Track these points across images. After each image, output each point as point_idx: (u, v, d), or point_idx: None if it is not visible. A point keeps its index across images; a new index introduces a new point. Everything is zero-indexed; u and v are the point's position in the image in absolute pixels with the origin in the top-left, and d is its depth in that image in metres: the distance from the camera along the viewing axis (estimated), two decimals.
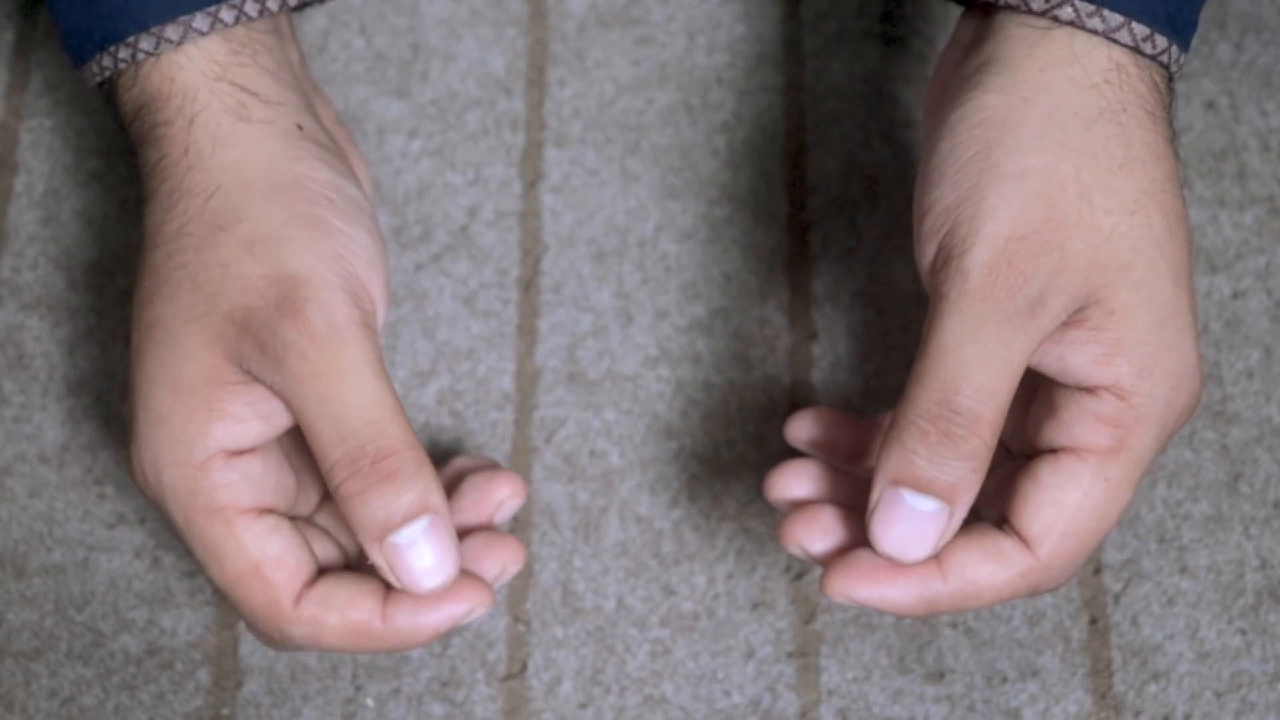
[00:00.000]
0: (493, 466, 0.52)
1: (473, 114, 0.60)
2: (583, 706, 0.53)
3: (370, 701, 0.53)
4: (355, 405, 0.45)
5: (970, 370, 0.43)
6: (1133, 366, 0.44)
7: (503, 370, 0.57)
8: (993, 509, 0.47)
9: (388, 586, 0.47)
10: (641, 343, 0.57)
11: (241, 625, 0.54)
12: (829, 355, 0.57)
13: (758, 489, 0.55)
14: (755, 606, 0.54)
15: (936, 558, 0.45)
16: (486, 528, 0.50)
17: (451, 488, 0.52)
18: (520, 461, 0.56)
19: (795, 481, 0.49)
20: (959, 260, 0.44)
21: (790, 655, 0.54)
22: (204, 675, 0.54)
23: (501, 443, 0.56)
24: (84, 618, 0.54)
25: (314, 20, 0.61)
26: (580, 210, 0.59)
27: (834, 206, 0.59)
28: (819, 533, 0.47)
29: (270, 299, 0.45)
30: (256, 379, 0.45)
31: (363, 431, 0.44)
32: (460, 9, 0.62)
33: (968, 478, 0.44)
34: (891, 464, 0.44)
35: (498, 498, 0.51)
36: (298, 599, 0.46)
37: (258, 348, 0.45)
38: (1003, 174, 0.44)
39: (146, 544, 0.55)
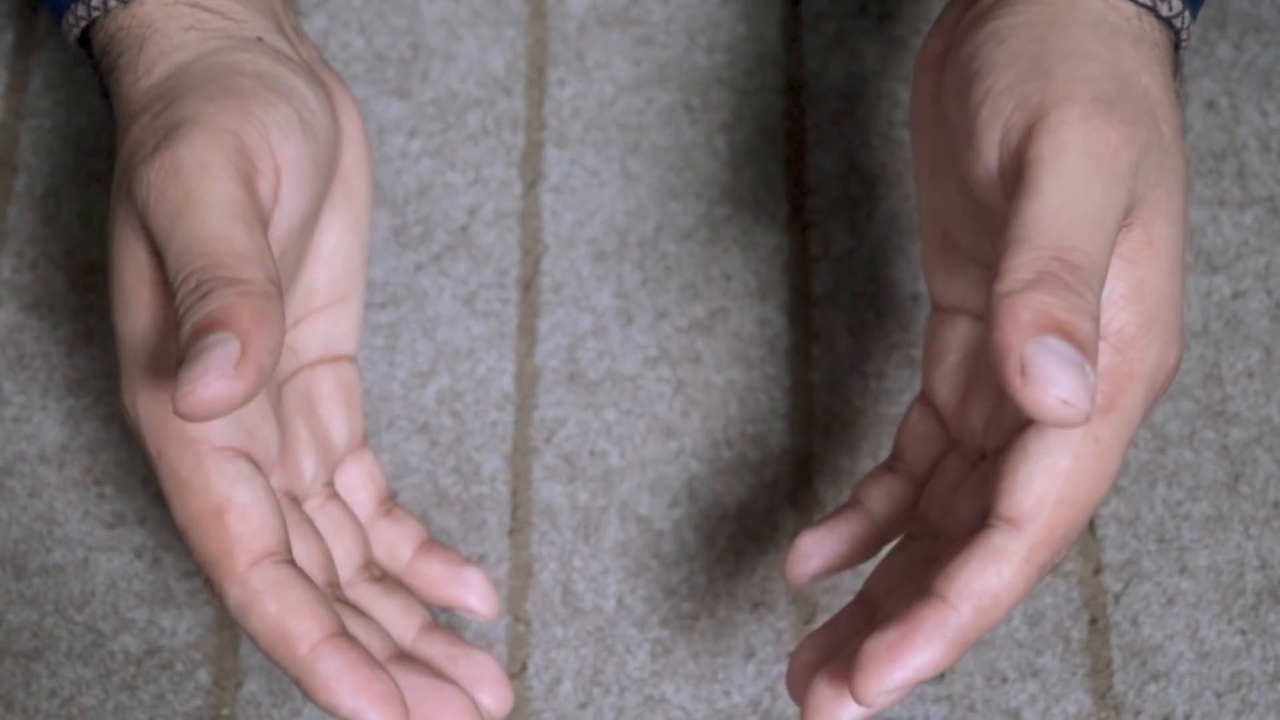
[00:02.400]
0: (490, 660, 0.50)
1: (473, 114, 0.60)
2: (583, 706, 0.53)
3: None
4: (198, 239, 0.41)
5: (1085, 227, 0.39)
6: (1139, 315, 0.41)
7: (503, 370, 0.57)
8: (960, 523, 0.45)
9: (338, 628, 0.43)
10: (641, 343, 0.57)
11: None
12: (829, 355, 0.57)
13: (758, 489, 0.55)
14: (755, 606, 0.54)
15: (939, 594, 0.41)
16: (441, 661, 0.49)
17: (445, 656, 0.50)
18: (520, 461, 0.56)
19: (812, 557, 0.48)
20: (1044, 122, 0.40)
21: (790, 655, 0.54)
22: (204, 675, 0.54)
23: (501, 443, 0.56)
24: (84, 618, 0.54)
25: (314, 20, 0.61)
26: (580, 210, 0.59)
27: (834, 206, 0.59)
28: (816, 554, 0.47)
29: (149, 146, 0.43)
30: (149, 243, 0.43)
31: (197, 260, 0.41)
32: (460, 9, 0.62)
33: (1093, 338, 0.38)
34: (1025, 319, 0.38)
35: (480, 701, 0.49)
36: (255, 562, 0.43)
37: (133, 203, 0.43)
38: (1066, 52, 0.41)
39: (146, 544, 0.55)
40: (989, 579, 0.41)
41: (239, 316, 0.40)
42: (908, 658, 0.40)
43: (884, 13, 0.61)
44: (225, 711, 0.53)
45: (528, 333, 0.58)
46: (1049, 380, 0.37)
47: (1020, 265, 0.39)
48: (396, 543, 0.53)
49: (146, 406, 0.43)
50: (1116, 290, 0.41)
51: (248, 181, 0.43)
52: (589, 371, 0.57)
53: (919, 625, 0.41)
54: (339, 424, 0.51)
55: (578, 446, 0.56)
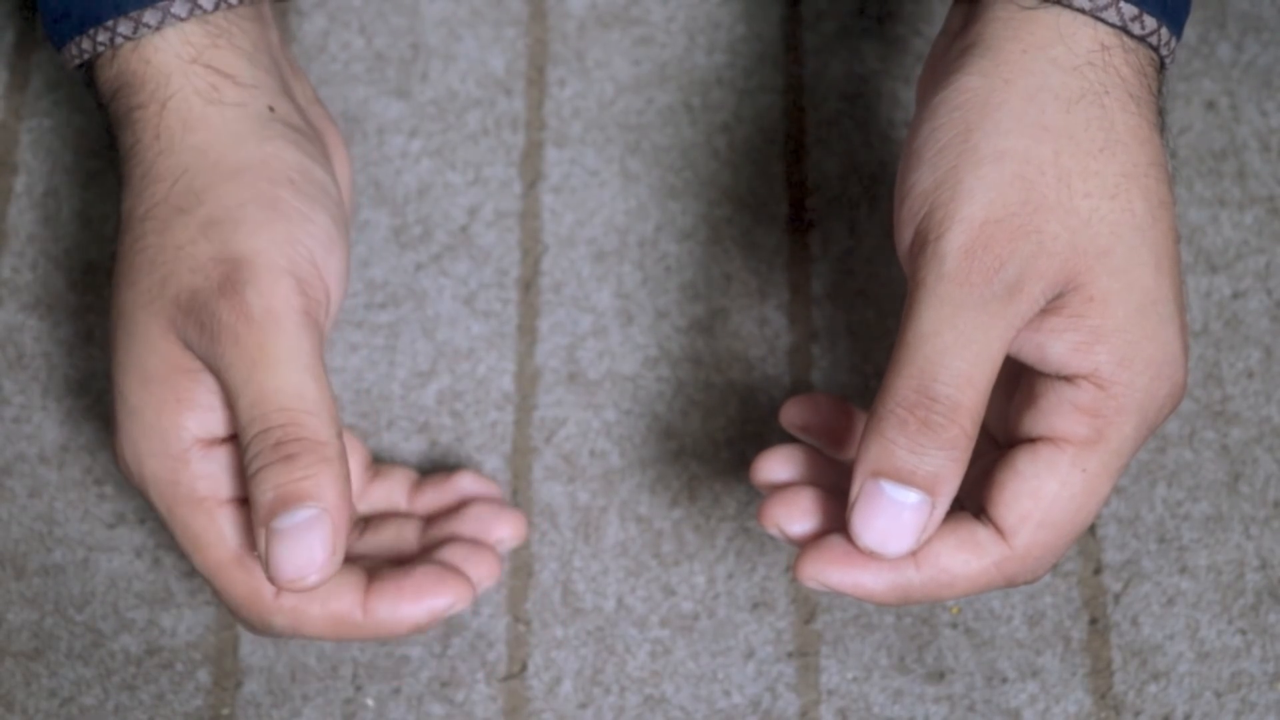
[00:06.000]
0: (498, 501, 0.53)
1: (473, 114, 0.60)
2: (583, 706, 0.53)
3: (370, 701, 0.53)
4: (274, 392, 0.44)
5: (948, 357, 0.42)
6: (1112, 355, 0.43)
7: (503, 370, 0.57)
8: (974, 499, 0.46)
9: (370, 578, 0.48)
10: (641, 343, 0.57)
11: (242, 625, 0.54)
12: (829, 355, 0.57)
13: (757, 489, 0.55)
14: (755, 606, 0.54)
15: None
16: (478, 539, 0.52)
17: (456, 507, 0.52)
18: (520, 461, 0.56)
19: (780, 465, 0.49)
20: (935, 244, 0.43)
21: (790, 655, 0.54)
22: (204, 675, 0.54)
23: (501, 443, 0.56)
24: (84, 618, 0.54)
25: (314, 20, 0.61)
26: (580, 210, 0.59)
27: (834, 206, 0.59)
28: (797, 514, 0.47)
29: (214, 280, 0.45)
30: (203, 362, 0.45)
31: (275, 417, 0.44)
32: (460, 9, 0.62)
33: (949, 468, 0.43)
34: (871, 455, 0.43)
35: (496, 536, 0.52)
36: (281, 589, 0.46)
37: (198, 328, 0.45)
38: (980, 157, 0.44)
39: (146, 544, 0.55)
40: (957, 563, 0.44)
41: (325, 489, 0.44)
42: (856, 574, 0.45)
43: (884, 13, 0.61)
44: (225, 711, 0.53)
45: (528, 333, 0.58)
46: (866, 522, 0.43)
47: (889, 390, 0.43)
48: (391, 494, 0.54)
49: (154, 469, 0.46)
50: (1072, 340, 0.43)
51: (311, 322, 0.45)
52: (589, 371, 0.57)
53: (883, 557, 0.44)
54: None
55: (578, 446, 0.56)
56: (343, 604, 0.47)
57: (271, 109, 0.48)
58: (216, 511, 0.46)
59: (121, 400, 0.46)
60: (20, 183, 0.60)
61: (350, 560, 0.49)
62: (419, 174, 0.59)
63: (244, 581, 0.46)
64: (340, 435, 0.45)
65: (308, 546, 0.44)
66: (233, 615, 0.48)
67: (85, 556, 0.55)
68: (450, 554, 0.50)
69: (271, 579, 0.44)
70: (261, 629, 0.47)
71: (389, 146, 0.60)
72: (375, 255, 0.58)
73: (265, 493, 0.44)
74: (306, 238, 0.46)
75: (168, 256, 0.46)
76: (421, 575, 0.48)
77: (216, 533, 0.46)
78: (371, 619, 0.47)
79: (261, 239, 0.45)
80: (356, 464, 0.54)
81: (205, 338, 0.45)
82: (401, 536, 0.52)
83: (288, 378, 0.44)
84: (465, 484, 0.54)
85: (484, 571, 0.50)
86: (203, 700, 0.53)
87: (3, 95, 0.61)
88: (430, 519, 0.53)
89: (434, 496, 0.54)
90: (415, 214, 0.59)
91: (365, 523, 0.53)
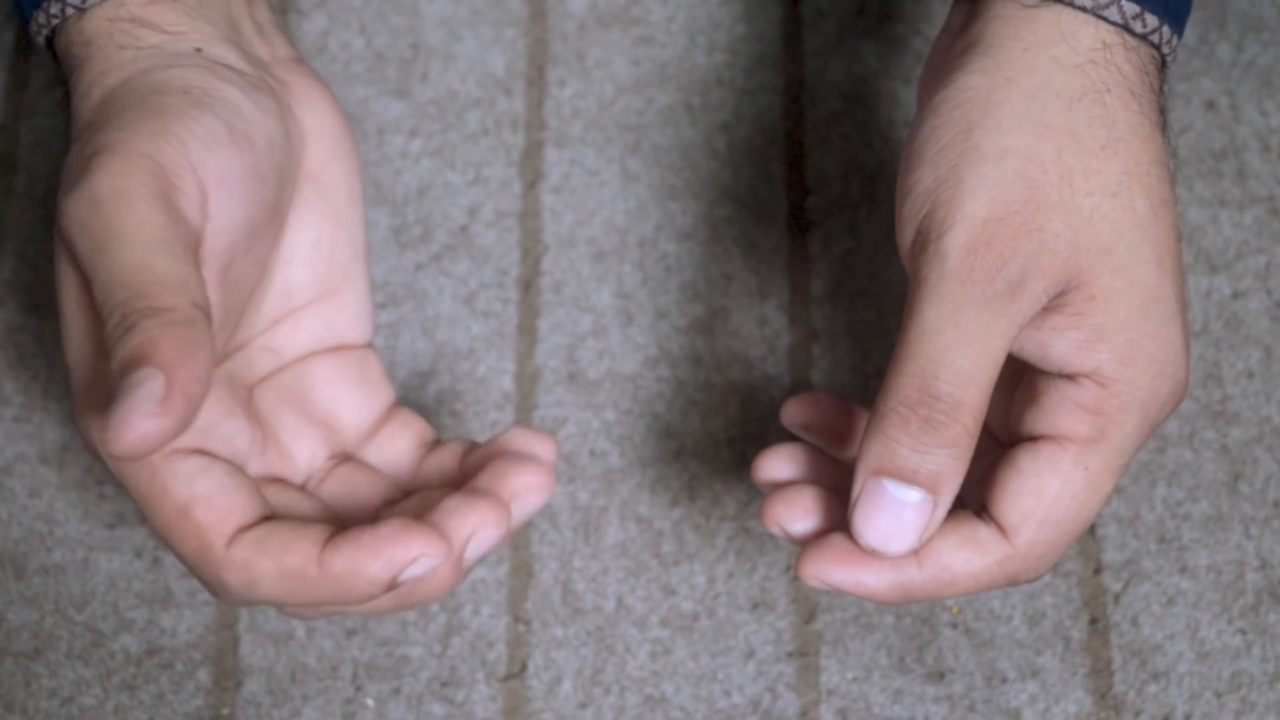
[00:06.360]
0: (534, 459, 0.48)
1: (473, 114, 0.60)
2: (583, 706, 0.53)
3: (370, 701, 0.53)
4: (120, 269, 0.42)
5: (950, 355, 0.42)
6: (1114, 353, 0.43)
7: (503, 370, 0.57)
8: (976, 497, 0.46)
9: (331, 533, 0.44)
10: (641, 343, 0.57)
11: (242, 625, 0.54)
12: (829, 355, 0.57)
13: (758, 488, 0.55)
14: (755, 606, 0.54)
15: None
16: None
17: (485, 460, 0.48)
18: None
19: (781, 464, 0.49)
20: (937, 243, 0.43)
21: (790, 655, 0.54)
22: (204, 675, 0.54)
23: None
24: (84, 618, 0.54)
25: (314, 20, 0.61)
26: (580, 210, 0.59)
27: (834, 206, 0.59)
28: (798, 513, 0.47)
29: (71, 179, 0.43)
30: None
31: (119, 292, 0.41)
32: (460, 9, 0.62)
33: (951, 466, 0.43)
34: (873, 454, 0.43)
35: (510, 488, 0.47)
36: (230, 540, 0.43)
37: (58, 231, 0.43)
38: (982, 155, 0.44)
39: (146, 544, 0.55)
40: (959, 561, 0.44)
41: (162, 349, 0.40)
42: (858, 572, 0.44)
43: (884, 13, 0.61)
44: (225, 711, 0.53)
45: (528, 333, 0.58)
46: (868, 521, 0.43)
47: (891, 389, 0.43)
48: (444, 465, 0.50)
49: (99, 430, 0.43)
50: (1074, 339, 0.43)
51: (167, 203, 0.43)
52: (589, 371, 0.57)
53: (885, 556, 0.44)
54: (347, 402, 0.50)
55: (578, 446, 0.56)
56: (296, 557, 0.43)
57: (199, 50, 0.47)
58: (159, 464, 0.44)
59: (66, 361, 0.45)
60: (20, 183, 0.60)
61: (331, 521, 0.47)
62: (419, 174, 0.59)
63: (192, 534, 0.43)
64: (200, 305, 0.42)
65: (136, 399, 0.40)
66: (192, 575, 0.46)
67: (85, 556, 0.55)
68: (442, 506, 0.45)
69: (105, 439, 0.40)
70: (219, 590, 0.44)
71: (389, 146, 0.60)
72: (375, 255, 0.58)
73: (113, 372, 0.41)
74: (183, 131, 0.44)
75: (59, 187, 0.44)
76: (385, 527, 0.44)
77: (161, 485, 0.44)
78: (328, 573, 0.43)
79: (125, 131, 0.44)
80: (408, 441, 0.50)
81: (66, 242, 0.43)
82: (426, 502, 0.48)
83: (132, 253, 0.42)
84: (513, 439, 0.49)
85: (476, 521, 0.45)
86: (203, 700, 0.53)
87: (3, 95, 0.61)
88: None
89: (480, 456, 0.49)
90: (415, 214, 0.59)
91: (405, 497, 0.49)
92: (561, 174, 0.60)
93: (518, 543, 0.55)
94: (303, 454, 0.49)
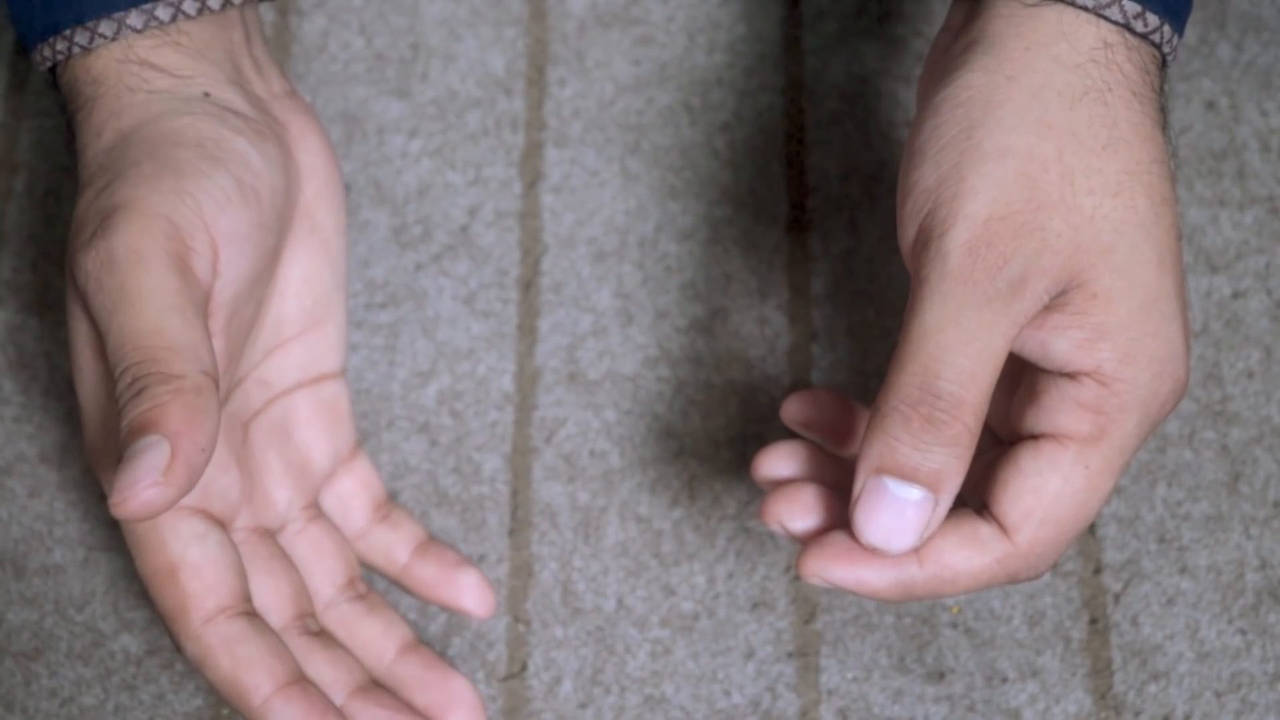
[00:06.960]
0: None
1: (473, 114, 0.60)
2: (583, 706, 0.53)
3: None
4: (133, 332, 0.43)
5: (952, 354, 0.42)
6: (1115, 352, 0.43)
7: (503, 370, 0.57)
8: (976, 496, 0.46)
9: (293, 676, 0.46)
10: (641, 343, 0.57)
11: None
12: (829, 355, 0.57)
13: (758, 489, 0.55)
14: (755, 606, 0.54)
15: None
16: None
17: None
18: (520, 461, 0.56)
19: (782, 461, 0.49)
20: (938, 242, 0.43)
21: (790, 655, 0.54)
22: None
23: (501, 443, 0.56)
24: (84, 618, 0.54)
25: (314, 20, 0.61)
26: (580, 210, 0.59)
27: (834, 206, 0.59)
28: (799, 510, 0.47)
29: (88, 233, 0.44)
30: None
31: (131, 355, 0.43)
32: (460, 9, 0.62)
33: (952, 464, 0.43)
34: (874, 452, 0.43)
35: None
36: (208, 618, 0.46)
37: (72, 282, 0.44)
38: (984, 154, 0.44)
39: None
40: (960, 559, 0.44)
41: (170, 416, 0.42)
42: (858, 570, 0.45)
43: (884, 13, 0.61)
44: (225, 711, 0.53)
45: (528, 333, 0.58)
46: (870, 519, 0.43)
47: (892, 387, 0.43)
48: (392, 547, 0.54)
49: (106, 471, 0.45)
50: (1075, 337, 0.43)
51: (182, 265, 0.44)
52: (589, 371, 0.57)
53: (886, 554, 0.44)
54: (320, 445, 0.53)
55: (578, 446, 0.56)
56: (250, 680, 0.46)
57: (207, 94, 0.47)
58: (163, 518, 0.45)
59: (78, 400, 0.46)
60: (20, 183, 0.60)
61: (311, 636, 0.50)
62: (419, 174, 0.59)
63: (173, 595, 0.46)
64: (209, 372, 0.43)
65: (141, 467, 0.41)
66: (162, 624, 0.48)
67: (85, 556, 0.55)
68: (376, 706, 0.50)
69: (110, 503, 0.42)
70: (180, 648, 0.46)
71: (389, 146, 0.60)
72: (375, 255, 0.58)
73: (122, 435, 0.42)
74: (197, 190, 0.45)
75: (72, 233, 0.45)
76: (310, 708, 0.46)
77: (158, 539, 0.46)
78: (263, 712, 0.46)
79: (143, 189, 0.44)
80: (365, 501, 0.54)
81: (80, 294, 0.44)
82: (380, 644, 0.52)
83: (146, 316, 0.43)
84: (464, 581, 0.53)
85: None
86: (203, 700, 0.53)
87: (3, 95, 0.61)
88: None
89: (433, 574, 0.54)
90: (415, 214, 0.59)
91: (357, 591, 0.53)
92: (561, 174, 0.60)
93: (518, 543, 0.55)
94: (281, 500, 0.52)
